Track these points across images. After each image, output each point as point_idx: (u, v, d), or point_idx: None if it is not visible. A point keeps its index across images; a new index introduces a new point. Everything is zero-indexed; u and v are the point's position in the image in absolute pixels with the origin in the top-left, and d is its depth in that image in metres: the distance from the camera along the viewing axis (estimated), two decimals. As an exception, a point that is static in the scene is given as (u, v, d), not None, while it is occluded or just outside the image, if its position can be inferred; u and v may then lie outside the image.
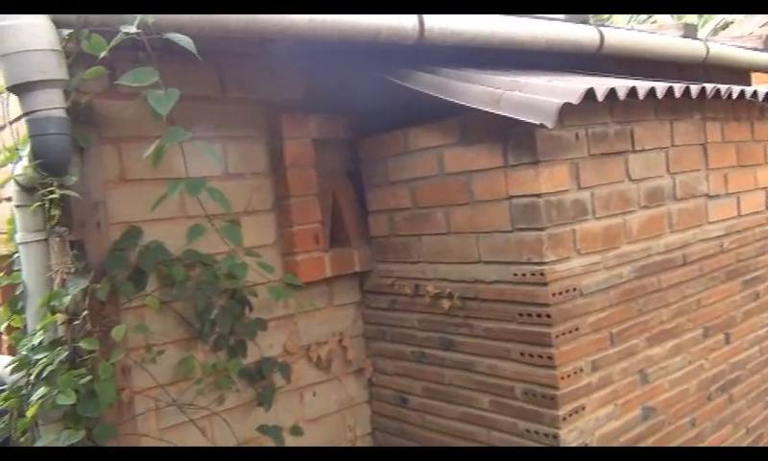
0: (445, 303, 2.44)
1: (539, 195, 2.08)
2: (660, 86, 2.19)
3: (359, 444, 2.85)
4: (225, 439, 2.41)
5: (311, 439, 2.64)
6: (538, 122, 1.91)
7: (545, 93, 2.00)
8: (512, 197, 2.16)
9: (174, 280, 2.19)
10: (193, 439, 2.34)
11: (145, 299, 2.17)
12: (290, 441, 2.52)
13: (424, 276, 2.53)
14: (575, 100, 1.93)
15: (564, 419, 2.15)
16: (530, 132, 2.04)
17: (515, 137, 2.12)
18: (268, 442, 2.49)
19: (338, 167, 2.77)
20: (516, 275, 2.20)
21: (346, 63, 2.52)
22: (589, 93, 1.96)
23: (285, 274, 2.51)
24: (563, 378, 2.14)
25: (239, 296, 2.36)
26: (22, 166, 1.94)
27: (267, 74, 2.55)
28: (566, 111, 1.99)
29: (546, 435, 2.18)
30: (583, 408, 2.21)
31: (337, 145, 2.74)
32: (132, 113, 2.16)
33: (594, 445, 2.24)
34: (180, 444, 2.31)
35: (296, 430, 2.54)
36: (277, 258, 2.55)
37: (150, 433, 2.25)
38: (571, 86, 2.03)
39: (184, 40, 1.71)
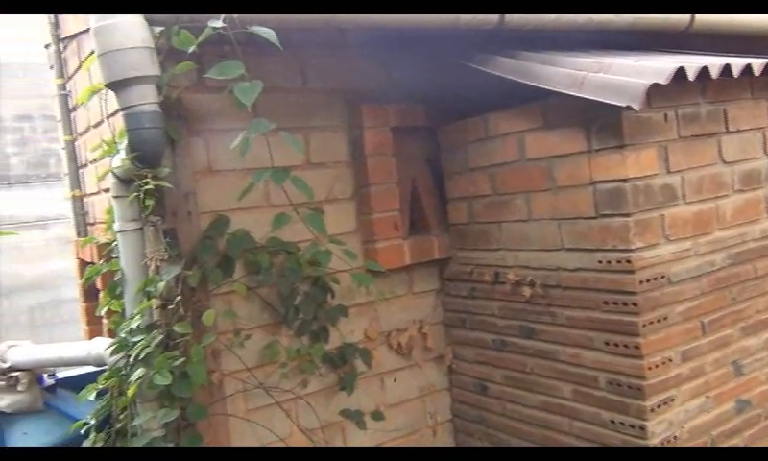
0: (527, 291, 2.41)
1: (625, 180, 2.02)
2: (757, 63, 2.07)
3: (439, 431, 2.86)
4: (308, 422, 2.47)
5: (392, 424, 2.67)
6: (624, 104, 1.85)
7: (632, 74, 1.93)
8: (596, 182, 2.10)
9: (259, 267, 2.27)
10: (278, 421, 2.41)
11: (233, 285, 2.26)
12: (371, 425, 2.56)
13: (505, 263, 2.50)
14: (664, 80, 1.85)
15: (652, 410, 2.08)
16: (615, 114, 1.98)
17: (599, 121, 2.06)
18: (350, 426, 2.55)
19: (417, 155, 2.77)
20: (600, 262, 2.14)
21: (424, 51, 2.52)
22: (680, 72, 1.88)
23: (367, 261, 2.54)
24: (650, 369, 2.07)
25: (321, 283, 2.41)
26: (119, 159, 2.05)
27: (346, 64, 2.58)
28: (654, 92, 1.91)
29: (632, 426, 2.12)
30: (672, 400, 2.14)
31: (416, 133, 2.74)
32: (219, 106, 2.24)
33: (684, 437, 2.16)
34: (266, 425, 2.38)
35: (377, 415, 2.58)
36: (358, 246, 2.58)
37: (238, 414, 2.34)
38: (659, 66, 1.95)
39: (268, 33, 1.76)
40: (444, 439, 2.88)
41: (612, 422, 2.18)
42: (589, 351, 2.23)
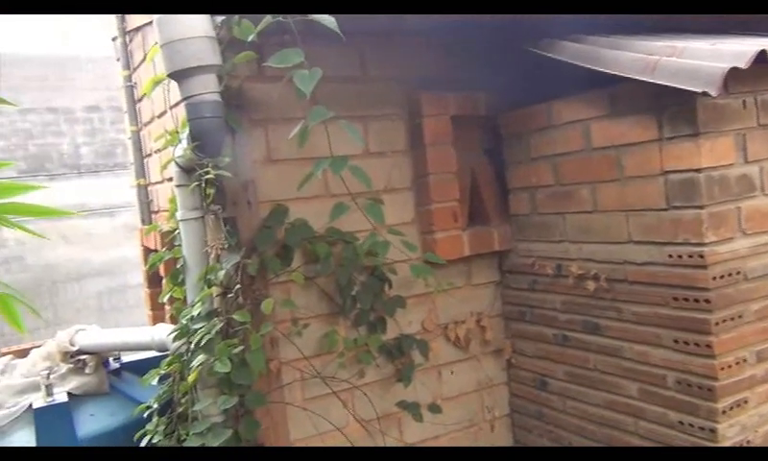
0: (591, 285, 2.33)
1: (698, 170, 1.91)
2: None
3: (497, 425, 2.82)
4: (365, 412, 2.47)
5: (449, 417, 2.64)
6: (699, 90, 1.75)
7: (708, 57, 1.82)
8: (667, 172, 2.01)
9: (317, 257, 2.26)
10: (335, 411, 2.42)
11: (291, 274, 2.26)
12: (428, 418, 2.54)
13: (568, 256, 2.42)
14: (744, 64, 1.74)
15: (724, 412, 1.98)
16: (690, 101, 1.88)
17: (672, 108, 1.96)
18: (407, 417, 2.53)
19: (477, 144, 2.72)
20: (670, 256, 2.04)
21: (485, 37, 2.45)
22: (761, 56, 1.76)
23: (425, 252, 2.51)
24: (722, 369, 1.97)
25: (379, 273, 2.39)
26: (182, 148, 2.08)
27: (406, 52, 2.54)
28: (733, 77, 1.80)
29: (702, 429, 2.02)
30: (745, 402, 2.03)
31: (476, 121, 2.68)
32: (278, 96, 2.24)
33: (758, 442, 2.05)
34: (323, 414, 2.39)
35: (434, 408, 2.55)
36: (416, 236, 2.55)
37: (295, 402, 2.35)
38: (738, 49, 1.83)
39: (328, 20, 1.74)
40: (502, 434, 2.83)
41: (681, 423, 2.09)
42: (657, 349, 2.14)
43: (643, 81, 1.92)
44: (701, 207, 1.93)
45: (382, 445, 2.51)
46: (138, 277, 7.16)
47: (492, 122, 2.67)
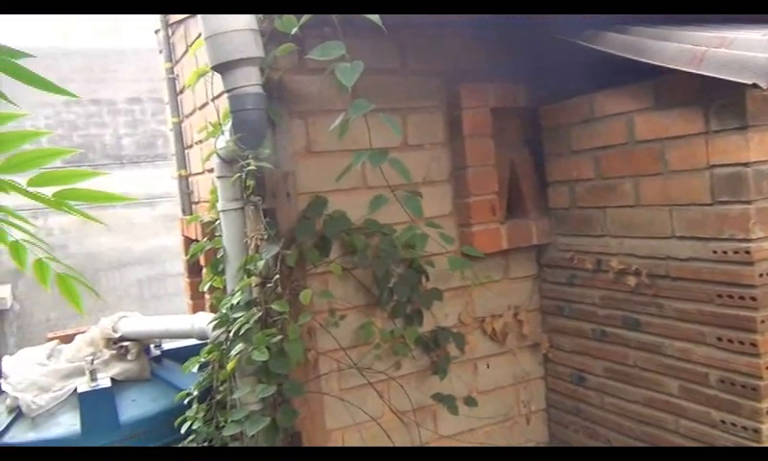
0: (631, 281, 2.29)
1: (746, 164, 1.87)
2: None
3: (533, 420, 2.80)
4: (401, 403, 2.47)
5: (485, 411, 2.63)
6: (749, 82, 1.70)
7: (758, 48, 1.77)
8: (713, 166, 1.96)
9: (355, 249, 2.27)
10: (371, 401, 2.43)
11: (329, 265, 2.28)
12: (464, 411, 2.53)
13: (608, 250, 2.39)
14: (796, 55, 1.69)
15: (769, 413, 1.94)
16: (739, 93, 1.83)
17: (719, 100, 1.91)
18: (442, 410, 2.53)
19: (516, 136, 2.69)
20: (715, 252, 2.00)
21: (526, 28, 2.42)
22: (815, 47, 1.71)
23: (463, 245, 2.50)
24: (768, 368, 1.93)
25: (416, 265, 2.39)
26: (224, 140, 2.10)
27: (445, 44, 2.53)
28: (784, 69, 1.75)
29: (745, 428, 1.98)
30: (792, 403, 1.98)
31: (516, 113, 2.65)
32: (318, 88, 2.25)
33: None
34: (359, 405, 2.40)
35: (470, 401, 2.55)
36: (453, 229, 2.54)
37: (332, 392, 2.37)
38: (791, 40, 1.78)
39: (372, 15, 1.73)
40: (538, 428, 2.81)
41: (723, 422, 2.05)
42: (700, 347, 2.10)
43: (690, 72, 1.87)
44: (748, 202, 1.88)
45: (417, 436, 2.51)
46: (177, 265, 7.29)
47: (531, 114, 2.64)
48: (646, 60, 2.01)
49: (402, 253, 2.34)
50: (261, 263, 2.14)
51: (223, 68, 1.88)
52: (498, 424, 2.72)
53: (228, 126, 2.06)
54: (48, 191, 1.15)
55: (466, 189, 2.50)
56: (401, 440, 2.49)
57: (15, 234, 1.26)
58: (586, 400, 2.61)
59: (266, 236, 2.17)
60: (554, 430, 2.81)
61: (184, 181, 3.67)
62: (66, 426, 2.50)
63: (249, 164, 2.01)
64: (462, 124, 2.47)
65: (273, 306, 2.11)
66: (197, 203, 3.54)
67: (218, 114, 2.27)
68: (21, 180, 1.13)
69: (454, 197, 2.56)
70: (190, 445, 2.45)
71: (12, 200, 1.18)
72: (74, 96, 1.06)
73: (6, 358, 2.83)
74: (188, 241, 3.73)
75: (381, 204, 2.01)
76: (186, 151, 3.61)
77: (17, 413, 2.56)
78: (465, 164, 2.48)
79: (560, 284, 2.65)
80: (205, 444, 2.47)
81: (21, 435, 2.50)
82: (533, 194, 2.69)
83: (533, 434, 2.80)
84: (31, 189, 1.11)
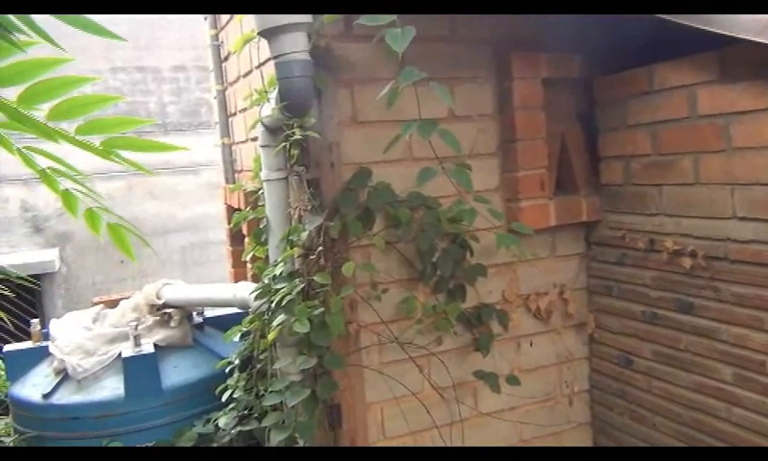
0: (686, 262, 2.19)
1: (818, 142, 1.75)
2: None
3: (576, 400, 2.74)
4: (441, 379, 2.44)
5: (526, 390, 2.58)
6: (828, 53, 1.59)
7: (839, 18, 1.65)
8: (782, 144, 1.85)
9: (399, 222, 2.23)
10: (411, 376, 2.40)
11: (372, 238, 2.24)
12: (506, 389, 2.49)
13: (662, 230, 2.29)
14: None
15: (832, 405, 1.84)
16: (814, 66, 1.71)
17: (791, 73, 1.79)
18: (482, 387, 2.49)
19: (568, 109, 2.59)
20: (780, 235, 1.89)
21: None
22: None
23: (511, 221, 2.43)
24: (833, 359, 1.83)
25: (461, 240, 2.34)
26: (269, 108, 2.07)
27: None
28: None
29: (804, 420, 1.89)
30: None
31: (569, 85, 2.55)
32: (366, 56, 2.19)
33: None
34: (399, 379, 2.38)
35: (512, 380, 2.50)
36: (500, 204, 2.47)
37: (372, 366, 2.35)
38: None
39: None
40: (580, 409, 2.75)
41: (780, 412, 1.96)
42: (758, 333, 2.00)
43: (759, 43, 1.76)
44: (819, 183, 1.77)
45: (457, 412, 2.48)
46: (219, 233, 7.37)
47: (585, 86, 2.54)
48: (713, 30, 1.89)
49: (447, 227, 2.29)
50: (304, 234, 2.12)
51: (269, 34, 1.84)
52: (540, 403, 2.67)
53: (273, 93, 2.02)
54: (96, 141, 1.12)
55: (514, 163, 2.42)
56: (440, 415, 2.46)
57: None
58: (632, 382, 2.53)
59: (309, 207, 2.15)
60: (597, 412, 2.75)
61: (227, 149, 3.67)
62: (111, 390, 2.55)
63: (294, 133, 1.98)
64: (512, 95, 2.38)
65: (315, 278, 2.09)
66: (240, 171, 3.54)
67: (263, 82, 2.23)
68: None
69: (501, 171, 2.49)
70: (230, 413, 2.48)
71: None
72: (121, 39, 1.03)
73: (53, 321, 2.90)
74: (231, 210, 3.74)
75: (430, 176, 1.95)
76: (230, 119, 3.60)
77: (64, 375, 2.62)
78: (514, 137, 2.40)
79: (609, 263, 2.56)
80: (246, 412, 2.49)
81: (68, 397, 2.55)
82: (584, 169, 2.59)
83: (575, 415, 2.74)
84: (79, 137, 1.08)
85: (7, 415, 2.88)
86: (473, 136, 2.43)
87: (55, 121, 1.06)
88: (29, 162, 1.20)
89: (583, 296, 2.70)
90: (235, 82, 3.31)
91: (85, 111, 1.07)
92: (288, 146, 2.07)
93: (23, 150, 1.17)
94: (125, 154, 1.15)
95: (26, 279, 1.49)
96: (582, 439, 2.76)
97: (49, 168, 1.20)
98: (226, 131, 3.63)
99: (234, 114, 3.47)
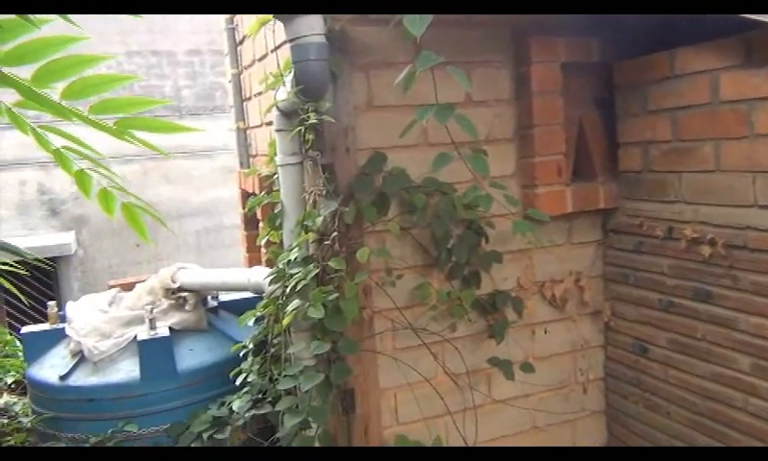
0: (705, 250, 2.16)
1: None
2: None
3: (590, 388, 2.72)
4: (455, 366, 2.44)
5: (540, 377, 2.57)
6: None
7: None
8: (806, 131, 1.81)
9: (414, 207, 2.21)
10: (425, 362, 2.40)
11: (387, 224, 2.23)
12: (519, 377, 2.48)
13: (681, 217, 2.26)
14: None
15: None
16: (842, 51, 1.67)
17: (818, 58, 1.75)
18: (496, 374, 2.48)
19: (587, 94, 2.55)
20: (802, 223, 1.86)
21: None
22: None
23: (527, 207, 2.40)
24: None
25: (476, 226, 2.32)
26: (285, 92, 2.06)
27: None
28: None
29: (824, 411, 1.87)
30: None
31: (588, 69, 2.51)
32: (382, 40, 2.17)
33: None
34: (412, 365, 2.37)
35: (527, 367, 2.49)
36: (516, 190, 2.45)
37: (385, 351, 2.35)
38: None
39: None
40: (595, 397, 2.74)
41: (800, 404, 1.93)
42: (778, 323, 1.97)
43: (786, 27, 1.72)
44: None
45: (470, 399, 2.48)
46: (233, 217, 7.40)
47: (604, 70, 2.50)
48: (741, 14, 1.85)
49: (462, 213, 2.27)
50: (319, 219, 2.11)
51: (285, 17, 1.82)
52: (554, 390, 2.66)
53: (289, 77, 2.01)
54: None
55: (531, 149, 2.39)
56: (454, 402, 2.46)
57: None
58: (647, 371, 2.51)
59: (324, 192, 2.14)
60: (611, 400, 2.73)
61: (242, 133, 3.66)
62: (126, 372, 2.57)
63: (309, 118, 1.96)
64: (530, 80, 2.35)
65: (329, 263, 2.08)
66: (254, 156, 3.53)
67: (278, 65, 2.22)
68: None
69: (518, 157, 2.46)
70: (244, 396, 2.49)
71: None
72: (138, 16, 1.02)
73: (70, 304, 2.92)
74: (246, 194, 3.74)
75: (446, 161, 1.93)
76: (245, 103, 3.59)
77: (80, 357, 2.64)
78: (531, 123, 2.37)
79: (626, 251, 2.54)
80: (259, 396, 2.50)
81: (84, 379, 2.58)
82: (602, 156, 2.56)
83: (589, 403, 2.73)
84: (93, 117, 1.08)
85: (25, 395, 2.92)
86: (490, 122, 2.40)
87: (69, 100, 1.05)
88: (42, 142, 1.19)
89: (599, 284, 2.67)
90: (250, 65, 3.30)
91: (100, 90, 1.07)
92: (303, 130, 2.06)
93: (37, 129, 1.17)
94: (139, 134, 1.14)
95: (42, 262, 1.50)
96: (596, 427, 2.75)
97: (63, 147, 1.20)
98: (240, 115, 3.62)
99: (249, 98, 3.46)
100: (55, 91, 1.05)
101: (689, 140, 2.18)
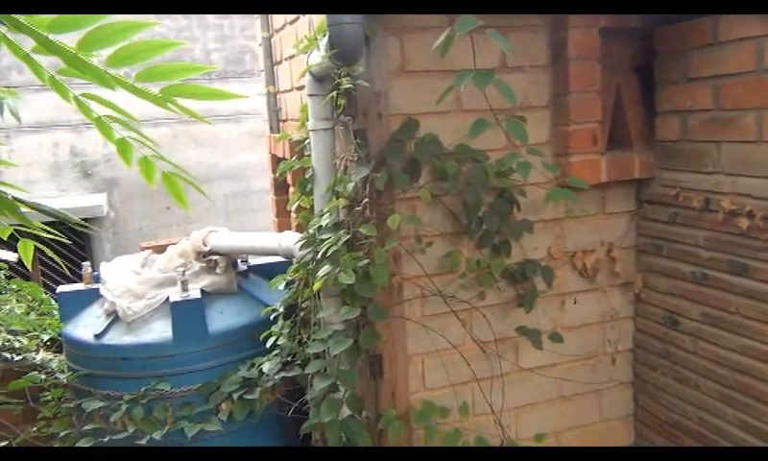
0: (743, 223, 2.12)
1: None
2: None
3: (618, 359, 2.71)
4: (483, 334, 2.44)
5: (568, 347, 2.56)
6: None
7: None
8: None
9: (446, 174, 2.19)
10: (453, 329, 2.40)
11: (418, 190, 2.22)
12: (547, 346, 2.47)
13: (719, 189, 2.21)
14: None
15: None
16: None
17: None
18: (524, 343, 2.48)
19: (625, 61, 2.48)
20: None
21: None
22: None
23: (566, 176, 2.35)
24: None
25: (508, 195, 2.30)
26: (319, 56, 2.04)
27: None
28: None
29: None
30: None
31: (627, 35, 2.44)
32: (415, 3, 2.13)
33: None
34: (440, 332, 2.38)
35: (555, 337, 2.48)
36: (549, 158, 2.41)
37: (414, 318, 2.36)
38: None
39: None
40: (623, 368, 2.73)
41: (836, 380, 1.90)
42: (816, 298, 1.93)
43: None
44: None
45: (497, 367, 2.48)
46: (261, 182, 7.42)
47: (644, 36, 2.43)
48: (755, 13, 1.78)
49: (494, 181, 2.25)
50: (350, 185, 2.11)
51: (319, -21, 1.79)
52: (582, 361, 2.65)
53: (323, 41, 1.98)
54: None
55: (566, 116, 2.35)
56: (481, 369, 2.47)
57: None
58: (677, 343, 2.49)
59: (355, 158, 2.13)
60: (639, 371, 2.72)
61: (272, 97, 3.65)
62: (159, 333, 2.62)
63: (342, 82, 1.94)
64: (567, 45, 2.30)
65: (360, 230, 2.08)
66: (285, 120, 3.52)
67: (311, 29, 2.20)
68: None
69: (552, 124, 2.42)
70: (273, 359, 2.52)
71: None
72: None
73: (103, 265, 2.97)
74: (275, 159, 3.75)
75: (483, 128, 1.89)
76: (275, 67, 3.57)
77: (114, 317, 2.69)
78: (567, 89, 2.32)
79: (660, 222, 2.49)
80: (289, 358, 2.53)
81: (118, 338, 2.63)
82: (638, 124, 2.50)
83: (617, 374, 2.72)
84: (137, 84, 1.08)
85: (60, 352, 2.99)
86: (525, 88, 2.36)
87: (114, 67, 1.05)
88: (85, 110, 1.20)
89: (631, 255, 2.64)
90: (281, 29, 3.27)
91: (145, 57, 1.06)
92: (335, 95, 2.04)
93: (79, 97, 1.17)
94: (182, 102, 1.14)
95: (83, 225, 1.52)
96: (622, 398, 2.74)
97: (105, 116, 1.20)
98: (271, 79, 3.60)
99: (280, 62, 3.44)
100: (98, 57, 1.05)
101: (731, 109, 2.12)
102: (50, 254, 1.66)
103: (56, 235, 1.57)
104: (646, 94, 2.48)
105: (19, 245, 1.65)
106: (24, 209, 1.36)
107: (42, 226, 1.49)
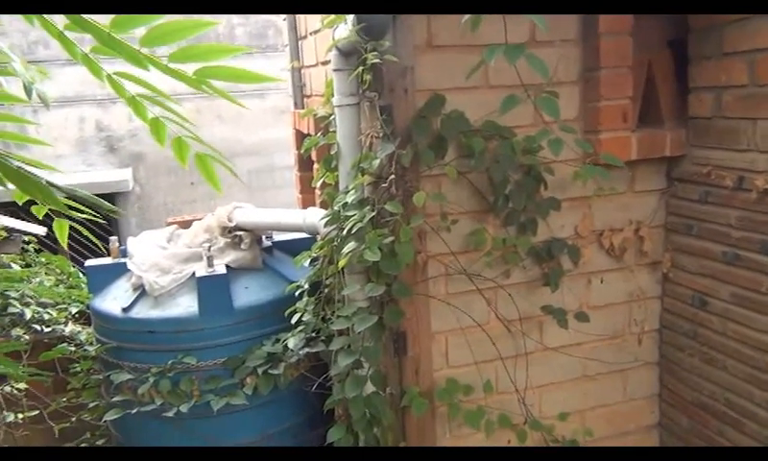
0: (778, 202, 2.07)
1: None
2: None
3: (644, 340, 2.68)
4: (508, 312, 2.43)
5: (593, 327, 2.54)
6: None
7: None
8: None
9: (472, 151, 2.17)
10: (478, 307, 2.40)
11: (443, 168, 2.20)
12: (572, 325, 2.45)
13: (753, 167, 2.16)
14: None
15: None
16: None
17: None
18: (549, 322, 2.46)
19: (658, 35, 2.42)
20: None
21: None
22: None
23: (601, 153, 2.30)
24: None
25: (535, 172, 2.27)
26: (346, 30, 2.01)
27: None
28: None
29: None
30: None
31: (659, 9, 2.38)
32: (443, -24, 2.09)
33: None
34: (465, 310, 2.37)
35: (581, 316, 2.46)
36: (578, 135, 2.37)
37: (438, 296, 2.35)
38: None
39: None
40: (649, 348, 2.70)
41: None
42: None
43: None
44: None
45: (522, 345, 2.47)
46: (284, 158, 7.43)
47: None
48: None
49: (521, 158, 2.22)
50: (375, 162, 2.10)
51: (347, -48, 1.77)
52: (607, 340, 2.63)
53: (350, 15, 1.96)
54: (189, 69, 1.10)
55: (596, 92, 2.30)
56: (505, 347, 2.46)
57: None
58: (705, 324, 2.45)
59: (381, 134, 2.11)
60: (665, 352, 2.69)
61: (297, 73, 3.63)
62: (185, 307, 2.65)
63: (369, 57, 1.92)
64: (598, 19, 2.24)
65: (386, 207, 2.07)
66: (309, 96, 3.51)
67: (337, 3, 2.17)
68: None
69: (582, 100, 2.37)
70: (298, 335, 2.54)
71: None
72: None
73: (130, 239, 3.00)
74: (300, 135, 3.74)
75: (514, 104, 1.85)
76: (300, 42, 3.54)
77: (141, 291, 2.73)
78: (598, 65, 2.27)
79: (691, 201, 2.45)
80: (313, 334, 2.55)
81: (145, 312, 2.66)
82: (670, 100, 2.45)
83: (642, 354, 2.70)
84: (171, 65, 1.07)
85: (88, 325, 3.04)
86: (554, 63, 2.31)
87: (149, 47, 1.05)
88: (119, 89, 1.20)
89: (659, 234, 2.60)
90: (305, 3, 3.24)
91: (179, 37, 1.06)
92: (361, 71, 2.02)
93: (113, 76, 1.17)
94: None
95: (115, 211, 1.53)
96: (648, 378, 2.72)
97: (138, 95, 1.20)
98: (296, 54, 3.58)
99: (305, 37, 3.41)
100: (132, 36, 1.04)
101: (767, 85, 2.06)
102: (84, 232, 1.69)
103: (92, 215, 1.60)
104: (679, 70, 2.42)
105: (54, 224, 1.69)
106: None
107: (74, 204, 1.50)
